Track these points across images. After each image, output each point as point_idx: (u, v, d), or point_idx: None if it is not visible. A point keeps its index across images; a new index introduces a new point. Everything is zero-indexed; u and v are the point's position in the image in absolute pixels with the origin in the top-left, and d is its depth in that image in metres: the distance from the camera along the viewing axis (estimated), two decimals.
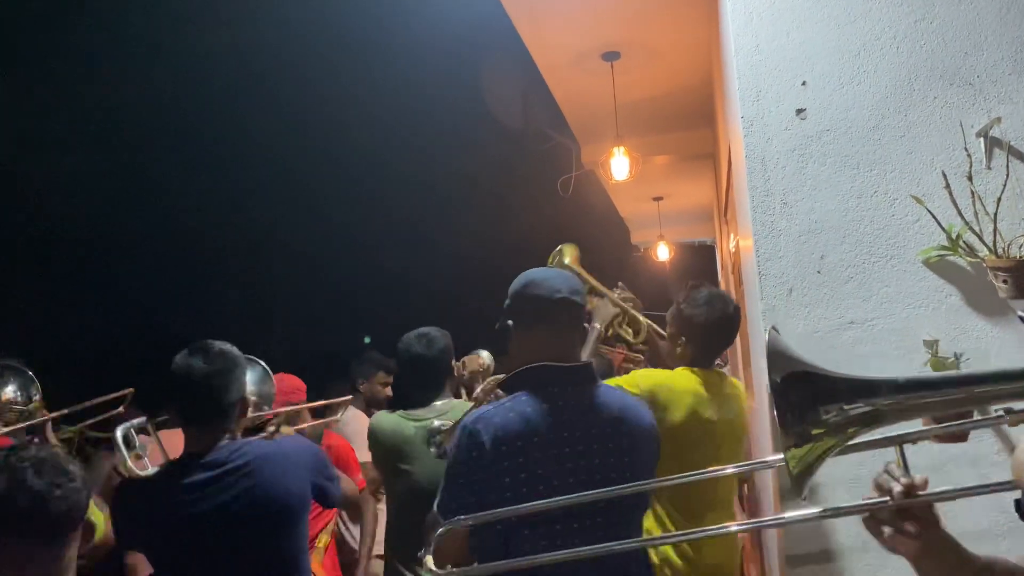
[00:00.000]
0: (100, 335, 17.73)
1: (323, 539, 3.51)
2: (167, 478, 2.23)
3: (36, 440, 2.74)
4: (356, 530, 4.06)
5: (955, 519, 1.29)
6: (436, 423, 2.43)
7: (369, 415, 4.26)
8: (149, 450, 2.65)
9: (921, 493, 1.05)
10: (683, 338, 2.78)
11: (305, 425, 3.64)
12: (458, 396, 3.45)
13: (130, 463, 2.42)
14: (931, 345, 2.21)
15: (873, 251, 2.34)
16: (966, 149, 2.27)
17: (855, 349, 2.29)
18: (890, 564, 2.24)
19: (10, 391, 2.74)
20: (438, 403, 3.13)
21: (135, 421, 2.60)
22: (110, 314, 18.65)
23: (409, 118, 22.63)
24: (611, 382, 2.46)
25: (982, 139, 2.30)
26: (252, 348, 2.60)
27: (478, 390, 3.20)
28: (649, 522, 2.55)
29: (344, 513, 4.02)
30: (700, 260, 12.97)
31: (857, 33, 2.43)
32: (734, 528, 2.37)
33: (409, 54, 21.64)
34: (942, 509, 1.15)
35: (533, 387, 2.01)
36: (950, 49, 2.36)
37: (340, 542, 4.14)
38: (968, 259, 2.23)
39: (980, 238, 2.19)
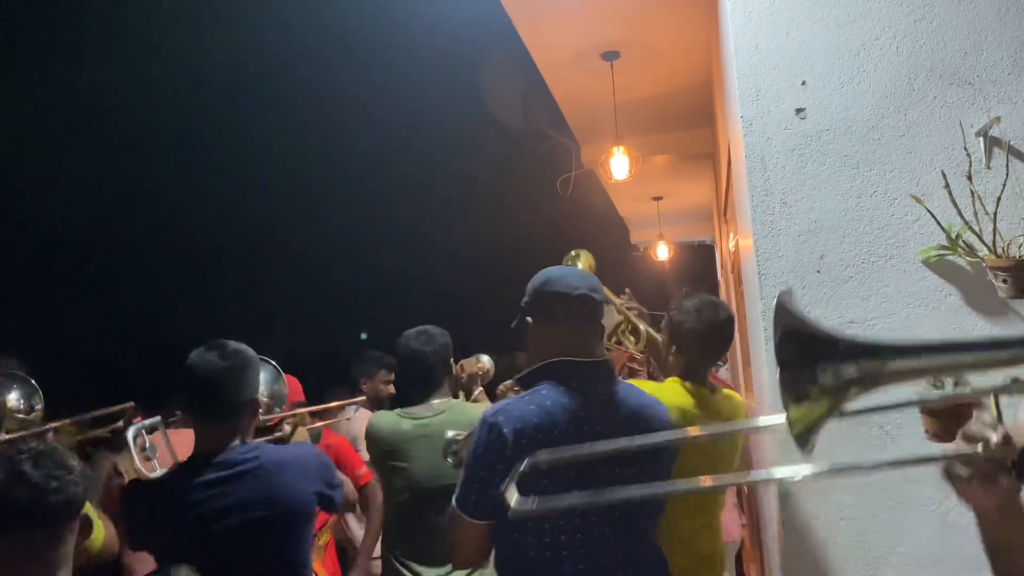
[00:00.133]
0: (99, 335, 17.72)
1: (323, 537, 3.52)
2: (177, 478, 2.24)
3: None
4: (356, 528, 4.07)
5: None
6: (450, 433, 2.43)
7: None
8: (158, 451, 2.65)
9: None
10: (674, 347, 2.71)
11: (314, 426, 3.65)
12: (456, 397, 3.45)
13: (139, 463, 2.42)
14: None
15: (873, 251, 2.34)
16: (965, 149, 2.27)
17: None
18: (890, 563, 2.25)
19: (13, 399, 2.74)
20: (436, 401, 3.13)
21: (146, 421, 2.61)
22: (109, 314, 18.66)
23: (409, 117, 22.64)
24: None
25: (981, 139, 2.30)
26: (252, 348, 2.60)
27: (498, 389, 3.21)
28: None
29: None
30: (700, 260, 12.97)
31: (857, 33, 2.43)
32: (777, 474, 2.29)
33: (409, 54, 21.65)
34: None
35: (553, 381, 2.01)
36: (950, 49, 2.36)
37: (342, 540, 4.14)
38: (968, 259, 2.23)
39: (980, 238, 2.19)
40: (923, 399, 1.69)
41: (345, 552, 4.16)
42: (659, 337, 3.07)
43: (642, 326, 3.43)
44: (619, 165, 5.82)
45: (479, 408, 3.25)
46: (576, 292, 2.08)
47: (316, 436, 3.88)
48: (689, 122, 6.53)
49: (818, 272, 2.36)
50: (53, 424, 2.92)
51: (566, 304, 2.07)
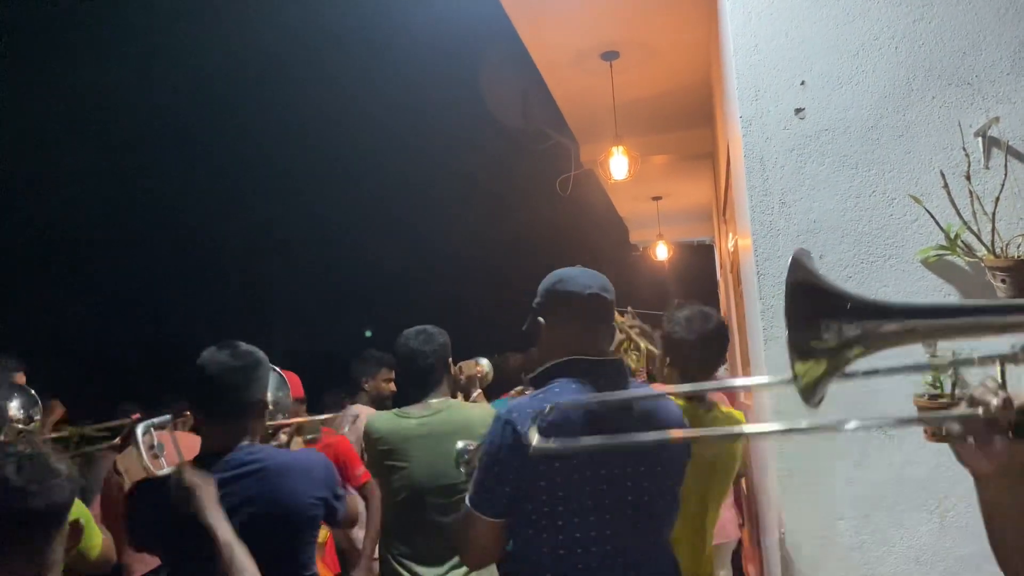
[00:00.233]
0: (98, 334, 17.72)
1: (322, 534, 3.52)
2: (184, 476, 2.23)
3: None
4: (356, 530, 4.07)
5: None
6: (460, 444, 2.43)
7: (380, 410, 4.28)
8: (166, 449, 2.66)
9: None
10: (668, 359, 2.69)
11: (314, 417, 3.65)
12: (454, 397, 3.46)
13: (147, 460, 2.43)
14: (929, 344, 2.21)
15: (872, 251, 2.35)
16: (964, 149, 2.28)
17: None
18: (887, 563, 2.25)
19: (13, 408, 2.75)
20: (434, 401, 3.13)
21: (156, 420, 2.61)
22: (108, 314, 18.66)
23: (408, 117, 22.65)
24: None
25: (980, 139, 2.30)
26: None
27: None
28: None
29: None
30: (699, 259, 12.97)
31: (855, 33, 2.43)
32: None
33: (408, 54, 21.65)
34: None
35: (565, 379, 2.02)
36: (948, 49, 2.37)
37: (342, 541, 4.14)
38: (966, 259, 2.24)
39: (978, 238, 2.20)
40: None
41: (344, 554, 4.16)
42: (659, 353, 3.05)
43: (643, 343, 3.43)
44: (618, 165, 5.82)
45: (477, 408, 3.25)
46: (588, 291, 2.10)
47: (315, 436, 3.88)
48: (688, 122, 6.53)
49: None
50: (51, 435, 2.94)
51: (578, 303, 2.09)
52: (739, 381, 2.66)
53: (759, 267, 2.42)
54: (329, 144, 23.10)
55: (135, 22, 20.53)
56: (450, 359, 3.28)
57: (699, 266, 13.18)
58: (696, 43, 4.91)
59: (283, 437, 3.16)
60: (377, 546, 3.37)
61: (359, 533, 4.01)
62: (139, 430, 2.47)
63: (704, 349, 2.62)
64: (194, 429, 3.70)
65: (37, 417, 2.84)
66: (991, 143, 2.29)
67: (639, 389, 2.16)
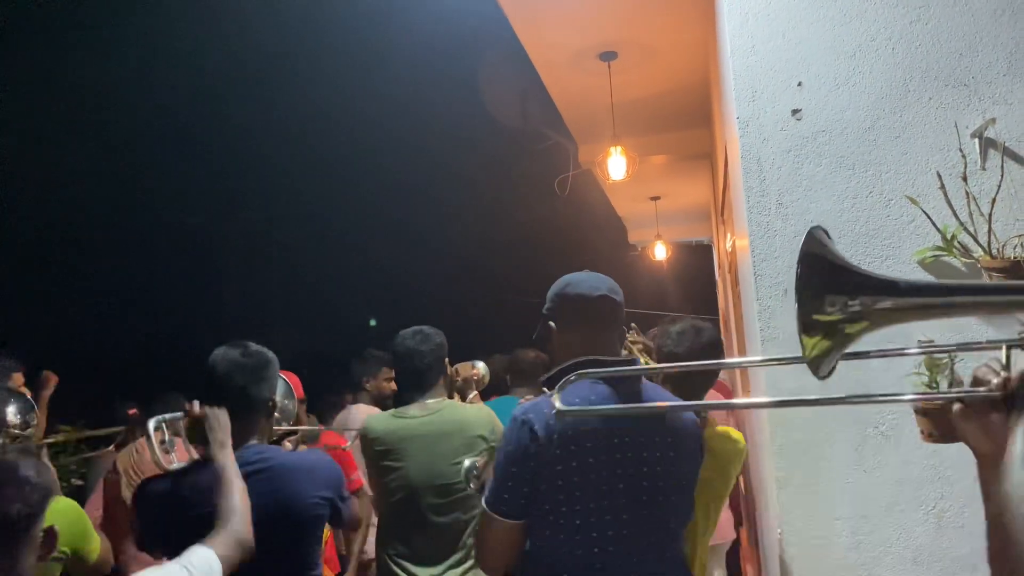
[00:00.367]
0: (96, 333, 17.71)
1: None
2: (189, 475, 2.25)
3: None
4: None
5: None
6: (467, 462, 2.44)
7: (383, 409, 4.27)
8: (176, 446, 2.66)
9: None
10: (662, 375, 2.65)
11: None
12: (451, 397, 3.46)
13: (158, 453, 2.44)
14: (926, 346, 2.21)
15: (868, 252, 2.35)
16: (961, 150, 2.28)
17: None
18: (885, 563, 2.25)
19: (10, 413, 2.75)
20: (430, 401, 3.14)
21: (167, 415, 2.62)
22: (106, 312, 18.64)
23: (406, 117, 22.64)
24: None
25: (977, 140, 2.30)
26: None
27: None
28: None
29: None
30: (697, 260, 12.99)
31: (852, 34, 2.43)
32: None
33: (406, 54, 21.64)
34: None
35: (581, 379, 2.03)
36: (945, 50, 2.37)
37: (340, 546, 4.15)
38: (963, 260, 2.24)
39: (975, 239, 2.20)
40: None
41: (344, 558, 4.17)
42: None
43: (644, 360, 3.43)
44: (616, 165, 5.83)
45: (473, 409, 3.26)
46: (597, 293, 2.13)
47: (314, 438, 3.88)
48: (687, 122, 6.54)
49: None
50: (48, 440, 2.94)
51: (588, 305, 2.12)
52: (746, 360, 2.65)
53: (756, 268, 2.42)
54: (327, 144, 23.11)
55: (135, 22, 20.52)
56: (447, 359, 3.28)
57: (697, 266, 13.21)
58: (694, 43, 4.92)
59: (288, 446, 3.16)
60: (370, 547, 3.37)
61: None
62: (151, 424, 2.49)
63: (689, 373, 2.59)
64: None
65: (33, 423, 2.84)
66: (987, 144, 2.30)
67: (653, 388, 2.17)
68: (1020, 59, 2.32)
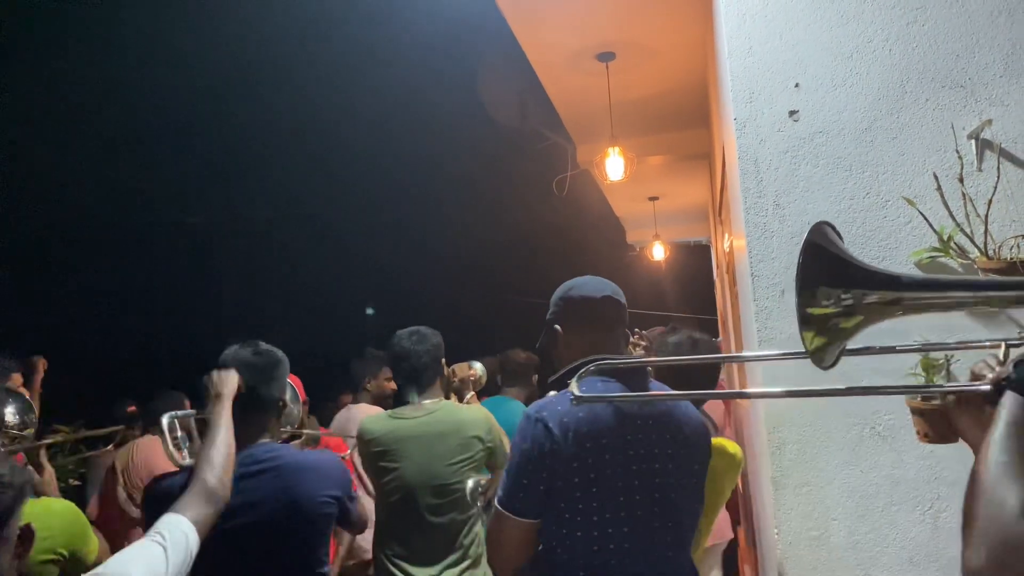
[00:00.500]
0: (96, 334, 17.71)
1: None
2: None
3: (29, 466, 2.76)
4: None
5: None
6: (471, 483, 2.45)
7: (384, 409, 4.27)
8: (189, 442, 2.68)
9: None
10: None
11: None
12: (448, 398, 3.47)
13: (171, 449, 2.46)
14: (923, 351, 2.22)
15: (865, 252, 2.35)
16: (957, 151, 2.29)
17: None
18: (881, 563, 2.26)
19: (8, 413, 2.75)
20: (427, 402, 3.15)
21: (180, 412, 2.64)
22: (105, 311, 18.63)
23: (404, 118, 22.64)
24: None
25: (973, 141, 2.31)
26: None
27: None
28: None
29: None
30: (695, 260, 12.99)
31: (849, 35, 2.44)
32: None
33: (404, 54, 21.64)
34: None
35: (591, 377, 2.04)
36: (942, 51, 2.38)
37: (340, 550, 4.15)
38: (959, 261, 2.24)
39: (971, 240, 2.21)
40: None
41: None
42: None
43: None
44: (614, 166, 5.83)
45: (470, 409, 3.26)
46: (601, 294, 2.16)
47: (315, 442, 3.89)
48: (685, 122, 6.55)
49: None
50: (46, 440, 2.94)
51: (594, 307, 2.16)
52: (749, 354, 2.66)
53: (753, 268, 2.42)
54: (326, 144, 23.10)
55: (134, 21, 20.51)
56: (443, 360, 3.29)
57: (696, 266, 13.21)
58: (692, 44, 4.92)
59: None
60: (367, 546, 3.38)
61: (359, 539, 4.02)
62: (164, 421, 2.51)
63: (690, 377, 2.59)
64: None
65: (32, 424, 2.84)
66: (984, 145, 2.30)
67: (661, 387, 2.18)
68: (1017, 61, 2.33)
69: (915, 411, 1.86)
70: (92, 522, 2.65)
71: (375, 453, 3.08)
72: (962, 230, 2.22)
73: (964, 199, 2.24)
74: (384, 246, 23.90)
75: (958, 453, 2.16)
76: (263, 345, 2.40)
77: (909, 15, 2.41)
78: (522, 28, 4.77)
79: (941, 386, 1.48)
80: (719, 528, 4.03)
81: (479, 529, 3.15)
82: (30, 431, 2.82)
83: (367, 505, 3.66)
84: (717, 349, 2.78)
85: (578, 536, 1.92)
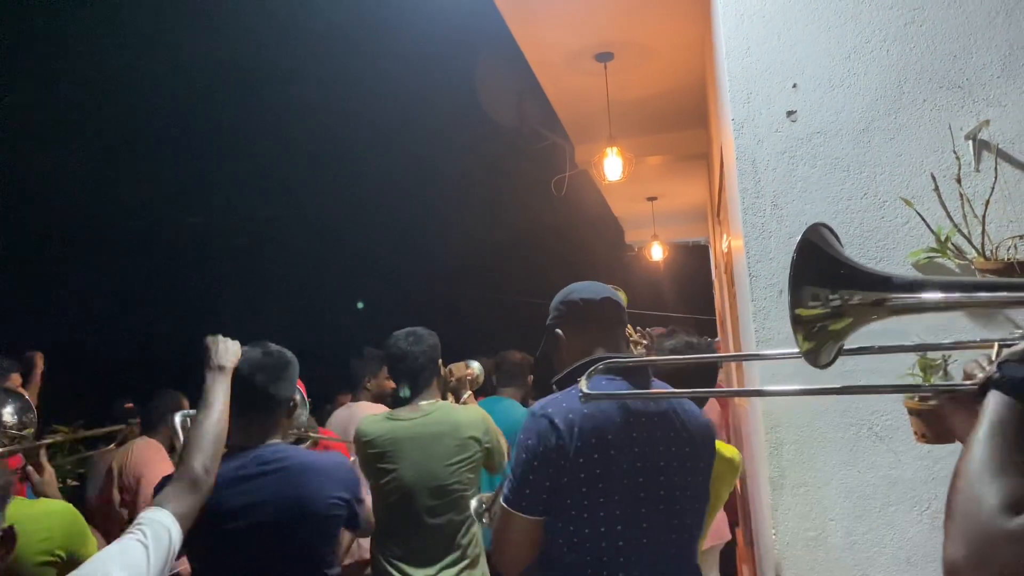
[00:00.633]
0: (95, 334, 17.70)
1: None
2: None
3: (28, 467, 2.76)
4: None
5: None
6: (474, 502, 2.45)
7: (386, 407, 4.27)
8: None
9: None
10: None
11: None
12: (445, 398, 3.47)
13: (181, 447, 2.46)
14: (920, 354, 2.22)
15: (863, 253, 2.36)
16: (955, 152, 2.29)
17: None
18: (879, 563, 2.26)
19: (6, 414, 2.75)
20: (424, 403, 3.15)
21: (191, 412, 2.64)
22: (104, 313, 18.62)
23: (401, 118, 22.63)
24: None
25: (971, 142, 2.31)
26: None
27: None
28: None
29: None
30: (694, 260, 12.99)
31: (847, 36, 2.44)
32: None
33: (401, 54, 21.63)
34: None
35: (595, 376, 2.05)
36: (939, 52, 2.38)
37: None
38: (957, 261, 2.25)
39: (969, 240, 2.21)
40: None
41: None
42: None
43: None
44: (612, 166, 5.83)
45: (466, 410, 3.26)
46: (600, 296, 2.20)
47: (314, 445, 3.88)
48: (683, 122, 6.55)
49: None
50: (46, 440, 2.94)
51: (594, 308, 2.19)
52: (746, 354, 2.67)
53: (751, 269, 2.43)
54: (323, 145, 23.08)
55: (132, 22, 20.51)
56: (440, 360, 3.29)
57: (694, 267, 13.20)
58: (690, 44, 4.92)
59: None
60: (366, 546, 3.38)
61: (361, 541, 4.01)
62: (177, 419, 2.52)
63: (685, 381, 2.62)
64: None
65: (32, 424, 2.84)
66: (981, 146, 2.30)
67: (663, 385, 2.19)
68: (1014, 61, 2.33)
69: (912, 412, 1.86)
70: (90, 522, 2.64)
71: (372, 455, 3.08)
72: (959, 231, 2.22)
73: (962, 200, 2.24)
74: (382, 246, 23.89)
75: (955, 453, 2.16)
76: (272, 346, 2.41)
77: (907, 16, 2.41)
78: (520, 28, 4.77)
79: (932, 386, 1.50)
80: (716, 529, 4.04)
81: (476, 530, 3.15)
82: (29, 431, 2.81)
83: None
84: (714, 351, 2.79)
85: (585, 533, 1.92)
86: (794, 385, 2.29)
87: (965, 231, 2.22)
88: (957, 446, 1.35)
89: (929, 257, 2.28)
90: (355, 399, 4.91)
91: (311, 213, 23.72)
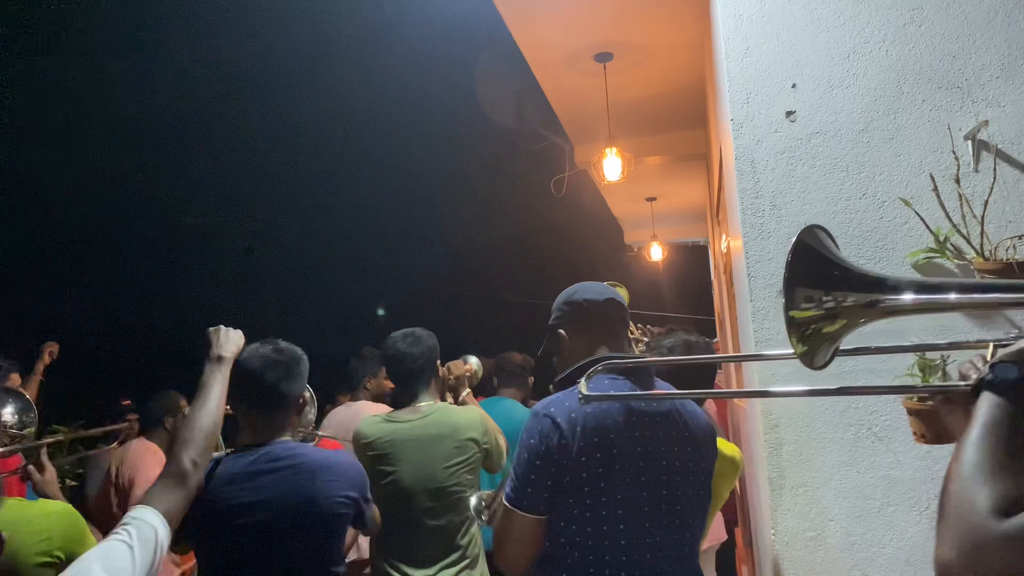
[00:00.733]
0: (94, 334, 17.70)
1: None
2: (220, 466, 2.28)
3: (30, 466, 2.76)
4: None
5: None
6: (473, 500, 2.45)
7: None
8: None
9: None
10: None
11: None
12: (443, 398, 3.46)
13: None
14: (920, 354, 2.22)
15: (862, 253, 2.36)
16: (954, 152, 2.29)
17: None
18: (878, 564, 2.26)
19: (6, 414, 2.75)
20: (422, 404, 3.14)
21: None
22: (104, 313, 18.62)
23: (401, 118, 22.64)
24: None
25: (970, 142, 2.31)
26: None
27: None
28: None
29: None
30: (693, 260, 13.00)
31: (846, 36, 2.44)
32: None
33: (401, 55, 21.64)
34: None
35: (598, 375, 2.05)
36: (938, 52, 2.38)
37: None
38: (956, 261, 2.25)
39: (967, 240, 2.21)
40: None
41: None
42: None
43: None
44: (611, 166, 5.83)
45: (464, 411, 3.25)
46: (604, 297, 2.20)
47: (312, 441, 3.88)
48: (683, 123, 6.55)
49: None
50: (46, 440, 2.94)
51: (597, 308, 2.19)
52: (745, 354, 2.67)
53: (750, 269, 2.43)
54: (322, 145, 23.09)
55: (134, 25, 20.51)
56: (438, 361, 3.28)
57: (693, 267, 13.22)
58: (690, 44, 4.92)
59: None
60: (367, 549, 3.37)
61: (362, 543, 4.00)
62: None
63: (685, 378, 2.57)
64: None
65: (32, 423, 2.84)
66: (980, 146, 2.30)
67: (666, 386, 2.19)
68: (1013, 62, 2.33)
69: (911, 412, 1.86)
70: (90, 522, 2.64)
71: (371, 457, 3.08)
72: (958, 231, 2.22)
73: (960, 200, 2.24)
74: (381, 246, 23.90)
75: None
76: (283, 343, 2.41)
77: (906, 16, 2.41)
78: (520, 29, 4.77)
79: (926, 386, 1.49)
80: (713, 529, 4.04)
81: (476, 530, 3.15)
82: (30, 431, 2.81)
83: None
84: (713, 350, 2.78)
85: (587, 532, 1.92)
86: (793, 385, 2.29)
87: (964, 231, 2.22)
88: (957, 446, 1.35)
89: (928, 257, 2.28)
90: (354, 399, 4.90)
91: (310, 214, 23.71)
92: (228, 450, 2.36)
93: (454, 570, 3.01)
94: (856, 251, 2.36)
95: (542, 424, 1.95)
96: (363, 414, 3.94)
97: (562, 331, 2.20)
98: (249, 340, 2.42)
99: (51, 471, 2.86)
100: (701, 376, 2.70)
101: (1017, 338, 1.11)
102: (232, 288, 21.55)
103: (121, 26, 20.34)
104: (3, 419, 2.74)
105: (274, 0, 21.49)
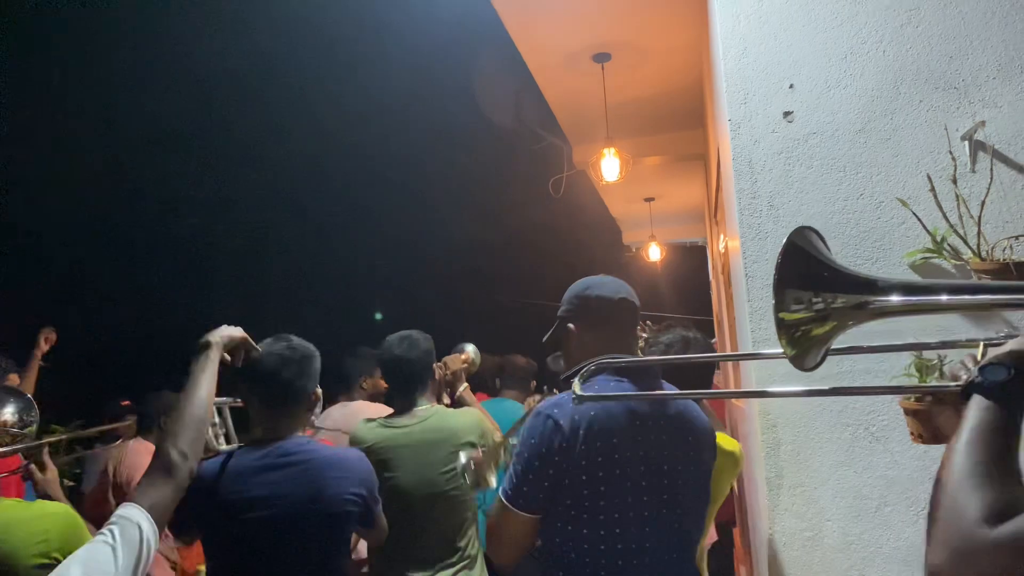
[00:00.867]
0: (94, 334, 17.69)
1: None
2: (231, 459, 2.29)
3: (31, 465, 2.75)
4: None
5: None
6: (463, 459, 2.44)
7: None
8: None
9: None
10: None
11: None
12: (440, 399, 3.45)
13: (210, 435, 2.46)
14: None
15: (859, 253, 2.36)
16: (951, 152, 2.29)
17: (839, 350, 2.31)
18: (876, 564, 2.26)
19: (8, 414, 2.75)
20: (419, 408, 3.13)
21: (226, 399, 2.64)
22: (104, 313, 18.61)
23: (399, 119, 22.64)
24: None
25: (967, 142, 2.31)
26: None
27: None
28: None
29: None
30: (692, 261, 13.00)
31: (844, 37, 2.44)
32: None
33: (400, 56, 21.63)
34: None
35: (603, 376, 2.05)
36: (935, 53, 2.38)
37: None
38: (953, 262, 2.25)
39: (964, 241, 2.21)
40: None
41: None
42: None
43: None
44: (610, 167, 5.83)
45: (462, 415, 3.24)
46: (618, 296, 2.17)
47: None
48: (681, 123, 6.55)
49: None
50: (47, 439, 2.94)
51: (609, 308, 2.16)
52: (741, 353, 2.68)
53: (747, 269, 2.43)
54: (322, 146, 23.08)
55: (132, 27, 20.49)
56: (434, 364, 3.27)
57: (692, 267, 13.21)
58: (688, 45, 4.93)
59: None
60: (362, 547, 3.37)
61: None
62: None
63: (683, 376, 2.54)
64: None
65: (33, 423, 2.83)
66: (977, 147, 2.31)
67: (670, 388, 2.19)
68: (1010, 62, 2.33)
69: (908, 412, 1.86)
70: (89, 521, 2.63)
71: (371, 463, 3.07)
72: (955, 231, 2.23)
73: (957, 200, 2.24)
74: (380, 247, 23.89)
75: None
76: (295, 339, 2.42)
77: (903, 17, 2.41)
78: (518, 29, 4.77)
79: (916, 387, 1.53)
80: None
81: (474, 531, 3.15)
82: (30, 430, 2.81)
83: None
84: (711, 347, 2.78)
85: (585, 534, 1.92)
86: (790, 385, 2.29)
87: (961, 232, 2.22)
88: None
89: (925, 258, 2.28)
90: (349, 398, 4.89)
91: (309, 214, 23.70)
92: (239, 444, 2.37)
93: (452, 571, 3.01)
94: (853, 251, 2.36)
95: (544, 425, 1.95)
96: (359, 413, 3.92)
97: (571, 325, 2.18)
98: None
99: (52, 470, 2.86)
100: (698, 375, 2.70)
101: (1007, 337, 1.10)
102: (231, 288, 21.54)
103: (121, 26, 20.33)
104: (4, 418, 2.74)
105: (273, 1, 21.50)
